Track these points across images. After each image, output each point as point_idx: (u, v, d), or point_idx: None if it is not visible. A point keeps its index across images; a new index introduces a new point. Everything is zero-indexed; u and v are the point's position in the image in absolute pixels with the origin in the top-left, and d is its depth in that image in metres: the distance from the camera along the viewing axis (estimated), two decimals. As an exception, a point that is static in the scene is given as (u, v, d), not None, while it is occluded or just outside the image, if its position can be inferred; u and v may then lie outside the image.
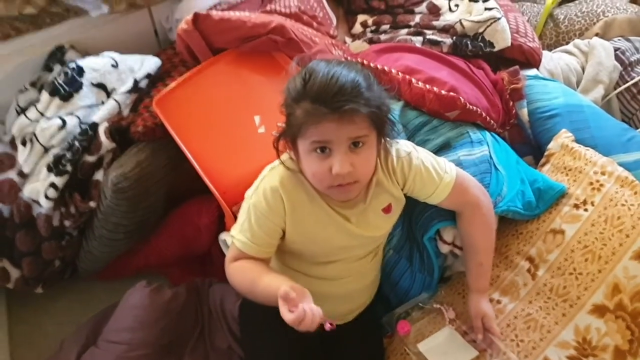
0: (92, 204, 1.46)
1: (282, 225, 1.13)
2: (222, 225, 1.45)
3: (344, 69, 1.00)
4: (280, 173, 1.12)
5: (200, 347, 1.44)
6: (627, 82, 1.76)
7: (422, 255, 1.32)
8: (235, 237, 1.14)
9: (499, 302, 1.27)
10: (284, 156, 1.13)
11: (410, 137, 1.40)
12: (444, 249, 1.29)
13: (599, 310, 1.16)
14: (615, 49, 1.81)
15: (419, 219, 1.30)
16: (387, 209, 1.18)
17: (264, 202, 1.11)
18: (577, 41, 1.91)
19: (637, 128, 1.66)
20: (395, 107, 1.43)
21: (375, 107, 1.01)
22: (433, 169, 1.17)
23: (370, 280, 1.31)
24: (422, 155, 1.18)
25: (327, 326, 0.91)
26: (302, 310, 0.90)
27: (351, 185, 1.05)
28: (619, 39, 1.89)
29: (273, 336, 1.21)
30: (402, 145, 1.18)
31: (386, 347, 1.33)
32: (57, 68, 1.59)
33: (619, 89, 1.76)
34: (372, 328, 1.33)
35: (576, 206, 1.29)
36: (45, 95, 1.47)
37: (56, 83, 1.46)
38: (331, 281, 1.22)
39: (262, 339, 1.25)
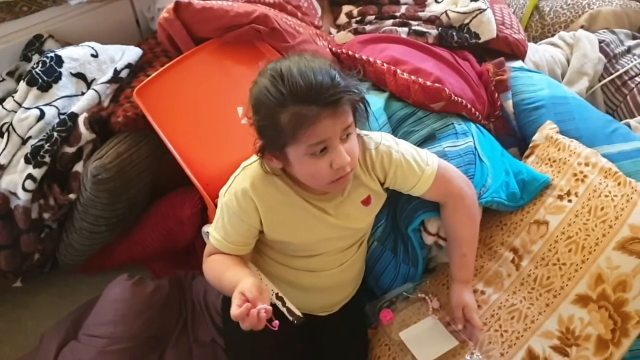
0: (72, 196, 1.43)
1: (257, 225, 1.11)
2: (205, 217, 1.44)
3: (310, 62, 0.96)
4: (252, 173, 1.09)
5: (183, 340, 1.43)
6: (612, 74, 1.77)
7: (406, 247, 1.32)
8: (211, 234, 1.13)
9: (483, 292, 1.27)
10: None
11: (395, 129, 1.39)
12: (429, 240, 1.29)
13: (583, 300, 1.16)
14: (600, 41, 1.82)
15: (403, 210, 1.29)
16: (366, 201, 1.16)
17: (235, 203, 1.09)
18: (562, 33, 1.91)
19: (621, 120, 1.67)
20: (380, 99, 1.42)
21: (354, 92, 0.98)
22: (414, 162, 1.15)
23: (354, 272, 1.29)
24: (402, 148, 1.16)
25: (272, 325, 0.92)
26: (246, 309, 0.89)
27: (349, 174, 1.04)
28: (604, 31, 1.90)
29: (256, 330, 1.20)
30: (382, 139, 1.15)
31: (370, 338, 1.32)
32: (36, 58, 1.57)
33: (603, 81, 1.77)
34: (356, 319, 1.33)
35: (560, 197, 1.29)
36: (23, 86, 1.44)
37: (34, 73, 1.44)
38: (315, 273, 1.21)
39: (245, 332, 1.24)
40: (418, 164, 1.15)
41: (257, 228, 1.12)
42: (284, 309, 1.09)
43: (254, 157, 1.10)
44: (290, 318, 1.06)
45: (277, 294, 1.11)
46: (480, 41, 1.67)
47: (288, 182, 1.09)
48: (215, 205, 1.29)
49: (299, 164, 1.00)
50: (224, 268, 1.08)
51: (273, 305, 1.11)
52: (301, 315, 1.04)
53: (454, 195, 1.20)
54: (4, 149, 1.42)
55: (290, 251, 1.18)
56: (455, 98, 1.39)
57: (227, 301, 1.32)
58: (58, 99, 1.45)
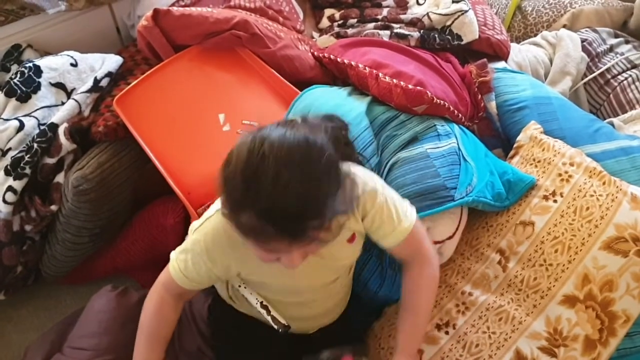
0: (54, 207, 1.42)
1: (220, 273, 1.06)
2: (188, 225, 1.42)
3: (300, 168, 0.80)
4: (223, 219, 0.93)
5: (169, 350, 1.40)
6: (595, 72, 1.77)
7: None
8: (171, 262, 1.08)
9: (470, 294, 1.27)
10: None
11: (377, 133, 1.38)
12: (416, 244, 1.28)
13: (570, 301, 1.16)
14: (583, 40, 1.83)
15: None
16: (351, 239, 1.09)
17: (203, 245, 1.02)
18: (544, 33, 1.92)
19: (604, 119, 1.68)
20: (363, 103, 1.42)
21: (341, 211, 0.86)
22: (395, 211, 1.07)
23: (340, 297, 1.25)
24: (387, 194, 1.08)
25: None
26: None
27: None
28: (586, 30, 1.91)
29: (243, 337, 1.19)
30: (369, 180, 1.06)
31: None
32: (14, 68, 1.55)
33: (585, 79, 1.78)
34: (344, 331, 1.30)
35: (545, 197, 1.29)
36: (1, 97, 1.43)
37: (12, 83, 1.42)
38: (298, 305, 1.16)
39: (233, 340, 1.22)
40: (397, 214, 1.07)
41: (218, 276, 1.07)
42: (268, 318, 1.09)
43: None
44: (276, 327, 1.05)
45: (261, 302, 1.10)
46: (463, 43, 1.67)
47: None
48: (198, 215, 1.28)
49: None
50: (149, 330, 1.09)
51: (258, 313, 1.11)
52: (286, 324, 1.03)
53: (422, 257, 1.13)
54: (-17, 162, 1.40)
55: (274, 288, 1.12)
56: (438, 101, 1.38)
57: (213, 311, 1.32)
58: (38, 109, 1.44)
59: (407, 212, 1.10)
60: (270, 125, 0.86)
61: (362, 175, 1.04)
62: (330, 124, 0.97)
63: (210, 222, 1.02)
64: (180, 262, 1.06)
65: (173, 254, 1.09)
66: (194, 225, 1.07)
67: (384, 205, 1.06)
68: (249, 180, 0.79)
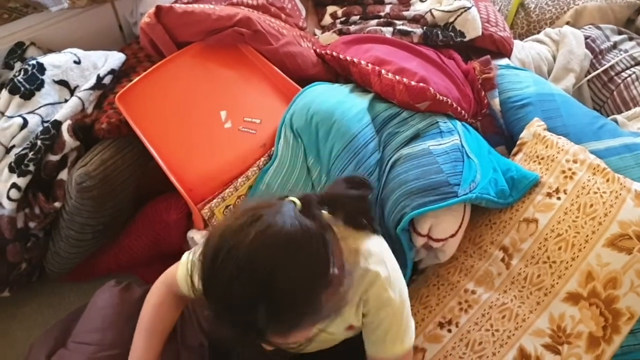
0: (57, 204, 1.42)
1: None
2: (191, 221, 1.42)
3: (252, 271, 0.76)
4: None
5: (171, 345, 1.41)
6: (598, 70, 1.77)
7: (394, 247, 1.30)
8: (182, 263, 1.06)
9: (473, 292, 1.26)
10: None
11: (379, 130, 1.38)
12: (419, 241, 1.27)
13: (573, 298, 1.16)
14: (586, 37, 1.83)
15: (391, 211, 1.28)
16: (350, 328, 1.03)
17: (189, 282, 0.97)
18: (548, 30, 1.92)
19: (608, 116, 1.67)
20: (365, 99, 1.41)
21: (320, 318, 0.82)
22: (401, 328, 1.00)
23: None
24: (404, 306, 0.99)
25: None
26: None
27: None
28: (590, 27, 1.90)
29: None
30: (393, 283, 0.97)
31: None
32: (18, 65, 1.55)
33: (589, 76, 1.77)
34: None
35: (549, 195, 1.29)
36: (5, 94, 1.42)
37: (16, 81, 1.42)
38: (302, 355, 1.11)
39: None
40: (402, 332, 1.00)
41: None
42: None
43: None
44: None
45: None
46: (466, 39, 1.67)
47: None
48: (199, 211, 1.28)
49: None
50: (148, 325, 1.10)
51: None
52: None
53: None
54: (-14, 159, 1.40)
55: None
56: (441, 97, 1.38)
57: None
58: (41, 106, 1.44)
59: (411, 333, 1.02)
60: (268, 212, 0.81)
61: (386, 275, 0.97)
62: (351, 192, 0.96)
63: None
64: (184, 268, 1.05)
65: (185, 257, 1.08)
66: (187, 253, 1.07)
67: (393, 319, 0.99)
68: (206, 272, 0.79)
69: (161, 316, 1.12)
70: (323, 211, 0.94)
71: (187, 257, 1.07)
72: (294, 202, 0.85)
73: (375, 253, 0.99)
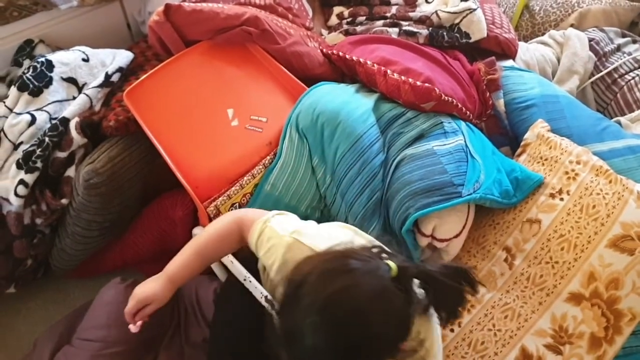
0: (64, 201, 1.42)
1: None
2: (197, 218, 1.43)
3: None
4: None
5: (175, 342, 1.42)
6: (602, 72, 1.78)
7: (400, 248, 1.31)
8: (267, 219, 1.04)
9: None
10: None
11: (384, 130, 1.39)
12: (423, 241, 1.28)
13: (575, 299, 1.17)
14: (590, 40, 1.83)
15: (396, 212, 1.29)
16: None
17: (282, 251, 0.99)
18: (552, 32, 1.92)
19: (611, 118, 1.68)
20: (370, 100, 1.42)
21: None
22: None
23: None
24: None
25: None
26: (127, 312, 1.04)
27: None
28: (594, 30, 1.91)
29: (243, 318, 1.18)
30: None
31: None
32: (27, 63, 1.56)
33: (593, 78, 1.78)
34: None
35: (552, 195, 1.29)
36: (14, 91, 1.43)
37: (25, 78, 1.43)
38: None
39: (232, 319, 1.21)
40: None
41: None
42: (273, 312, 1.09)
43: None
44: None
45: (266, 296, 1.11)
46: (471, 41, 1.68)
47: None
48: (205, 209, 1.29)
49: None
50: (202, 248, 1.08)
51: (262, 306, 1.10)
52: None
53: None
54: (-5, 155, 1.41)
55: None
56: (446, 98, 1.39)
57: (221, 298, 1.32)
58: (49, 103, 1.44)
59: None
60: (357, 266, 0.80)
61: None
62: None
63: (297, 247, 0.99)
64: (268, 230, 1.03)
65: (272, 214, 1.06)
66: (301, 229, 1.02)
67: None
68: (289, 337, 0.80)
69: (219, 247, 1.10)
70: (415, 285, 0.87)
71: (273, 216, 1.05)
72: (390, 267, 0.82)
73: (435, 355, 0.96)
